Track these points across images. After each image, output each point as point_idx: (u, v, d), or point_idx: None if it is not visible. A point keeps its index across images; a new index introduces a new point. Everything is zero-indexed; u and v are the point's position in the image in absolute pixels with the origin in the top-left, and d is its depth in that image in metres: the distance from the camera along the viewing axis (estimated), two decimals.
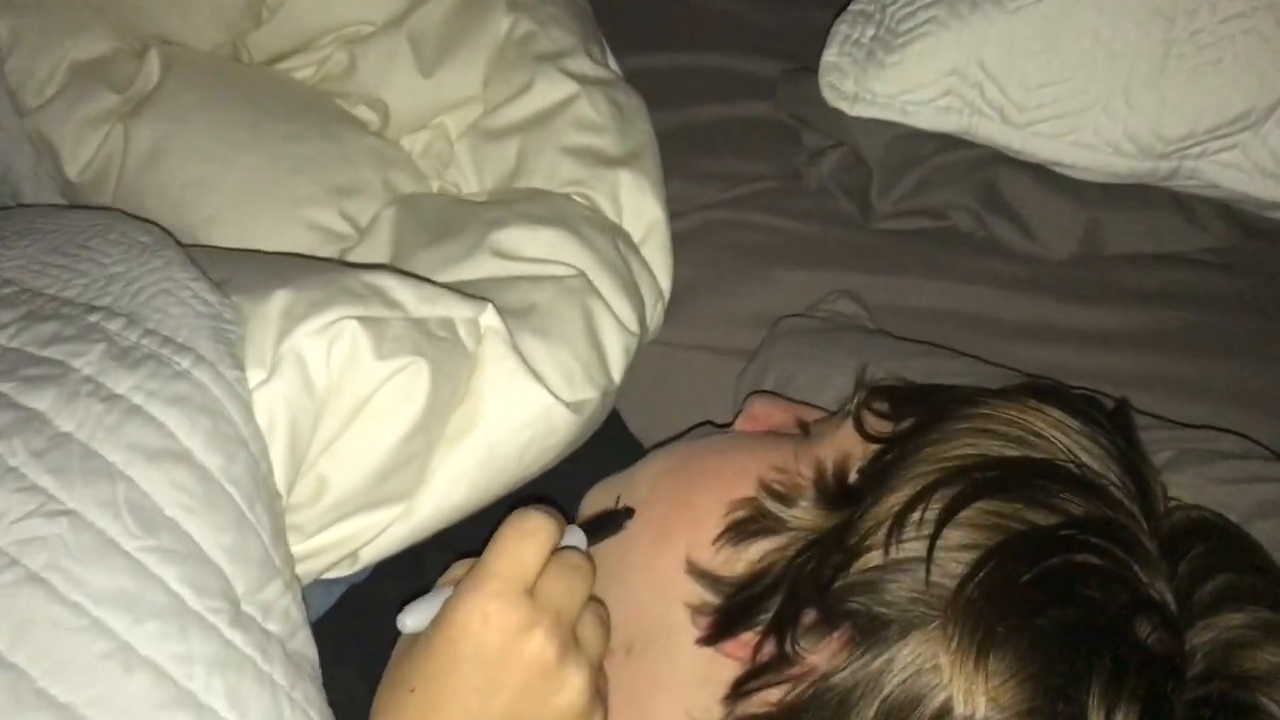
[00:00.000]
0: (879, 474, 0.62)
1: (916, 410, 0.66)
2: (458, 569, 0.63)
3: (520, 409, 0.71)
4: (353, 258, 0.85)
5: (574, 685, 0.59)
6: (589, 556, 0.63)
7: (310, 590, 0.68)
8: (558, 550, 0.61)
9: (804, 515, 0.63)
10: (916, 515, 0.58)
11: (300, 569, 0.65)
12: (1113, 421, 0.66)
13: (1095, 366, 0.90)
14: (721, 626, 0.63)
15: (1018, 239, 0.98)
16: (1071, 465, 0.61)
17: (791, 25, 1.14)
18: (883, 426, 0.66)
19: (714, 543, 0.65)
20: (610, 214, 0.89)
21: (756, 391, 0.82)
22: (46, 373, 0.57)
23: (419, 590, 0.62)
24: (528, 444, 0.72)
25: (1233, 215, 0.99)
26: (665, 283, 0.90)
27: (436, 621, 0.59)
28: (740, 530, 0.65)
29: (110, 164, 0.89)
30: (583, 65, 0.95)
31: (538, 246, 0.82)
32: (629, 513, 0.68)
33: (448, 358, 0.68)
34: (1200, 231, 0.98)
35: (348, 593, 0.74)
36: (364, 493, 0.67)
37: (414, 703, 0.59)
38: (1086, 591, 0.56)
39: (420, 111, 0.96)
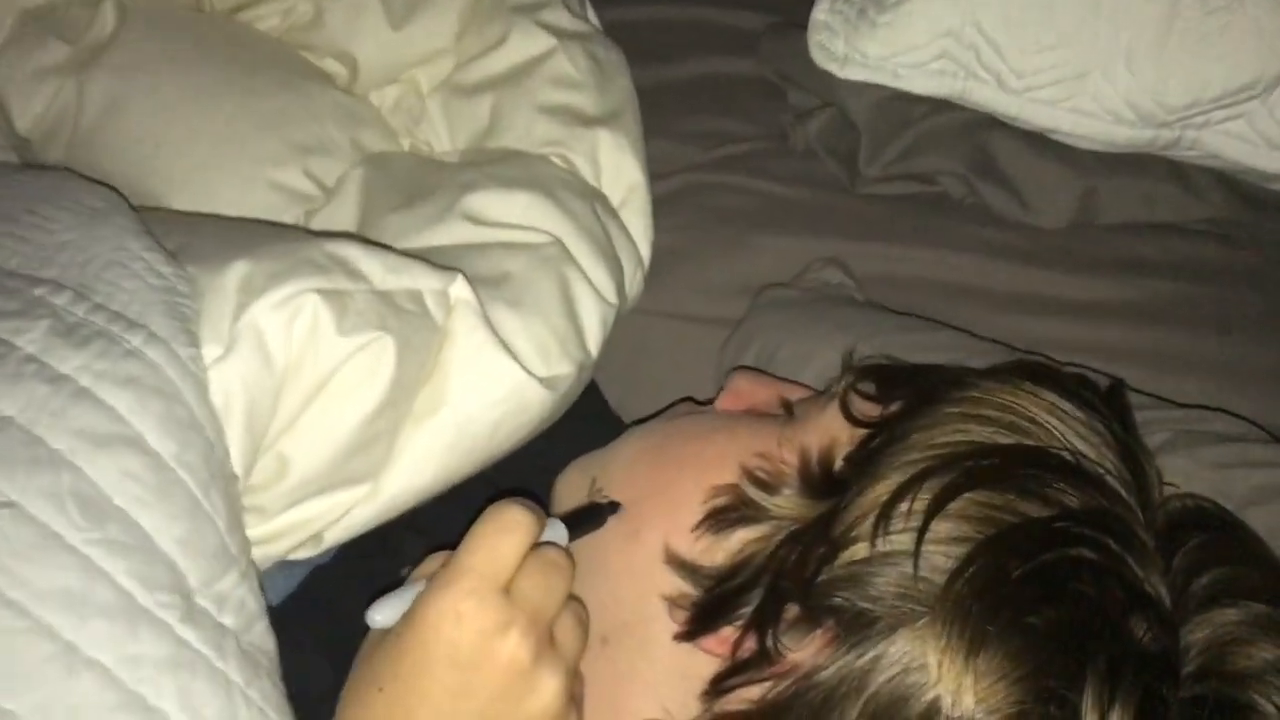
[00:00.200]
0: (865, 461, 0.61)
1: (904, 392, 0.64)
2: (431, 563, 0.61)
3: (491, 385, 0.69)
4: (318, 220, 0.83)
5: (548, 689, 0.57)
6: (568, 553, 0.61)
7: (271, 573, 0.67)
8: (536, 546, 0.59)
9: (787, 504, 0.62)
10: (904, 506, 0.57)
11: (262, 552, 0.64)
12: (1107, 404, 0.65)
13: (1087, 338, 0.89)
14: (700, 621, 0.61)
15: (1010, 206, 0.96)
16: (1066, 453, 0.59)
17: None
18: (869, 409, 0.64)
19: (693, 530, 0.63)
20: (588, 176, 0.87)
21: (739, 367, 0.80)
22: None
23: (389, 584, 0.60)
24: (499, 422, 0.70)
25: (1232, 185, 0.98)
26: (645, 249, 0.88)
27: (407, 618, 0.57)
28: (720, 518, 0.63)
29: (63, 119, 0.86)
30: (560, 18, 0.92)
31: (512, 211, 0.80)
32: (613, 507, 0.66)
33: (415, 332, 0.65)
34: (1198, 201, 0.97)
35: (311, 575, 0.72)
36: (327, 473, 0.65)
37: (382, 701, 0.57)
38: (1080, 588, 0.55)
39: (390, 65, 0.93)
